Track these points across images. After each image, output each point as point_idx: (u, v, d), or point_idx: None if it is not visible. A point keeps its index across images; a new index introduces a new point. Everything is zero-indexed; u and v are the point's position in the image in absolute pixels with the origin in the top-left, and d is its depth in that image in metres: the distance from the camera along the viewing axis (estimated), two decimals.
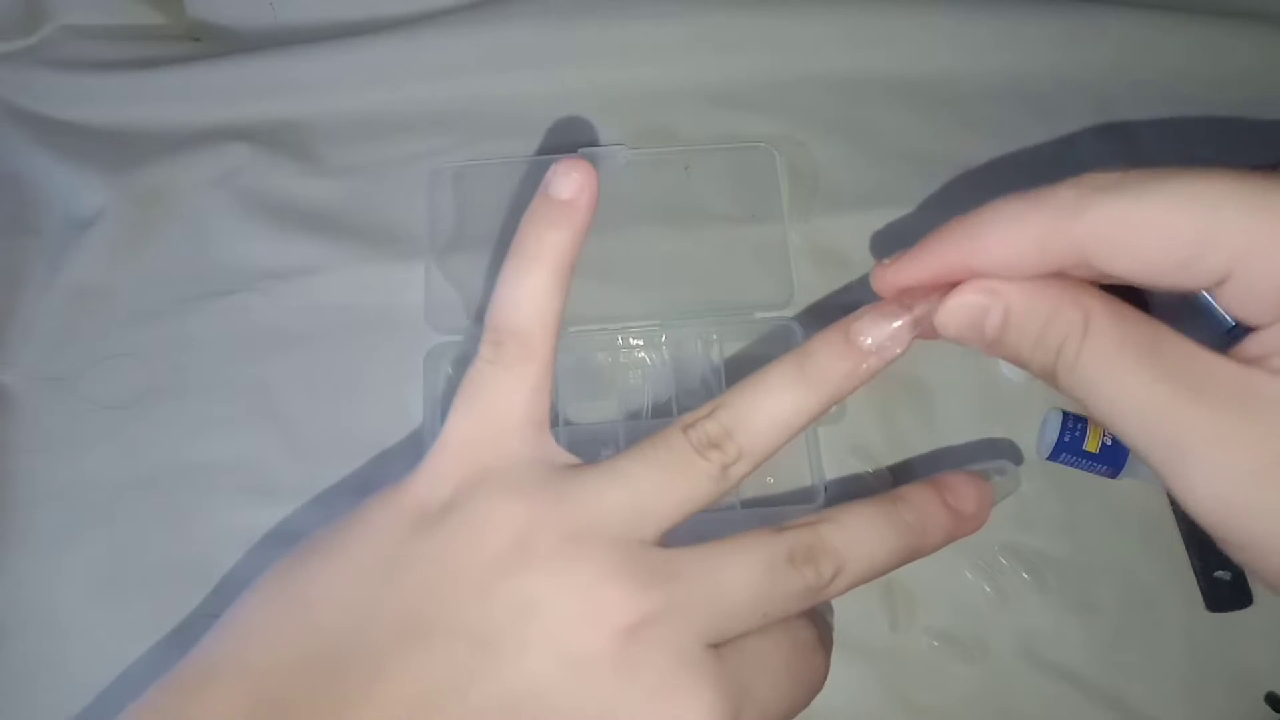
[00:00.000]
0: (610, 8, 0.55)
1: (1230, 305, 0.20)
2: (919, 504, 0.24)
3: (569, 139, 0.52)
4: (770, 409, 0.24)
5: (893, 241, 0.50)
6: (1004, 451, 0.45)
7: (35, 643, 0.42)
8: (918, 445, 0.45)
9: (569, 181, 0.25)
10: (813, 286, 0.48)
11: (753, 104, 0.54)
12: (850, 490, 0.45)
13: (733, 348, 0.47)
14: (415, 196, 0.50)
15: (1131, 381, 0.20)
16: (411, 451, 0.45)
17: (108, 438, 0.46)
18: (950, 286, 0.23)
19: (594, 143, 0.52)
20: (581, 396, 0.46)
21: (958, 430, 0.46)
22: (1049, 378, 0.22)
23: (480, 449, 0.23)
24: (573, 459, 0.24)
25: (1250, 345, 0.20)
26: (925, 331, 0.24)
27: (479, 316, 0.47)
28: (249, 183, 0.51)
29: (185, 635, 0.42)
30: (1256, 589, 0.42)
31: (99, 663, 0.41)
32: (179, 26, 0.58)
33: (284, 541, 0.43)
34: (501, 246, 0.49)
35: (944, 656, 0.42)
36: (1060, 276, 0.22)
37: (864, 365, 0.24)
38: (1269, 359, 0.20)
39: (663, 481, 0.23)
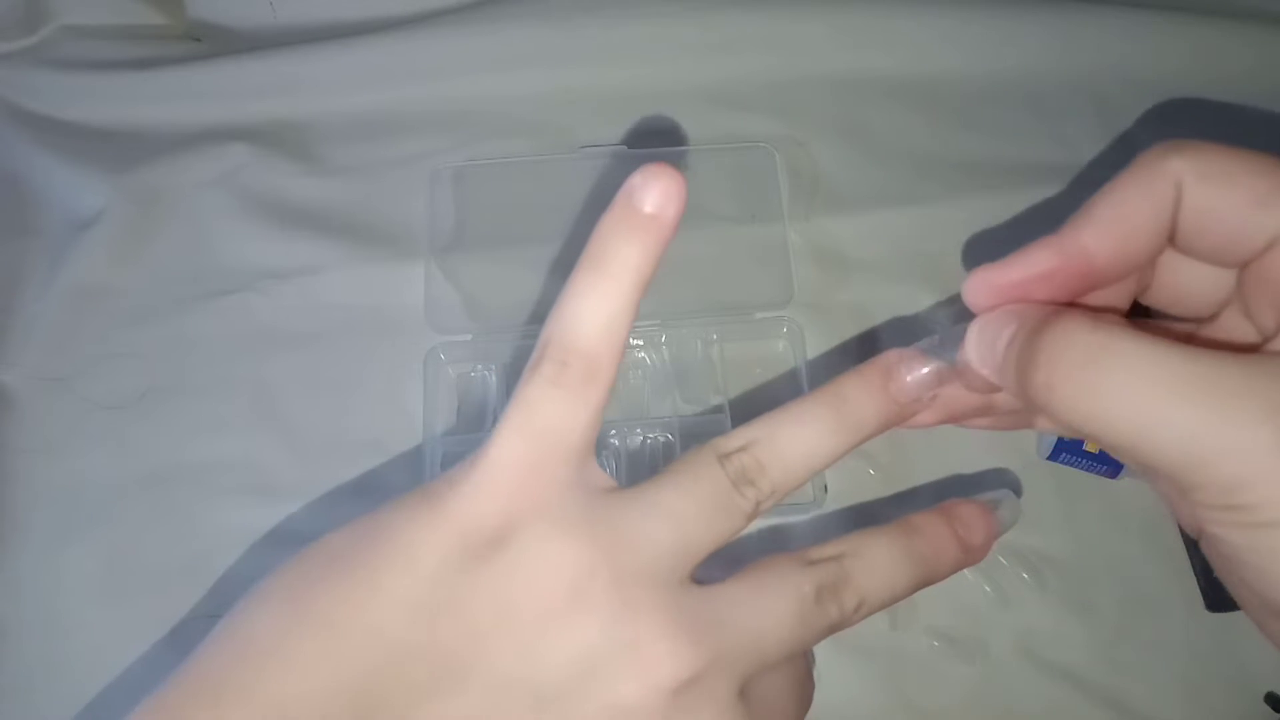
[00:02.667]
0: (610, 8, 0.55)
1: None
2: (932, 536, 0.24)
3: (569, 139, 0.52)
4: (805, 448, 0.23)
5: (893, 241, 0.50)
6: (1006, 457, 0.45)
7: (35, 642, 0.42)
8: (918, 444, 0.45)
9: (654, 192, 0.22)
10: (813, 286, 0.48)
11: (753, 104, 0.54)
12: (850, 491, 0.45)
13: (733, 348, 0.47)
14: (415, 196, 0.50)
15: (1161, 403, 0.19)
16: (412, 451, 0.45)
17: (108, 438, 0.46)
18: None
19: (594, 143, 0.52)
20: None
21: (958, 429, 0.46)
22: (1045, 401, 0.21)
23: (532, 476, 0.22)
24: (611, 481, 0.23)
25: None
26: (954, 409, 0.25)
27: (479, 316, 0.47)
28: (249, 183, 0.51)
29: (185, 635, 0.42)
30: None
31: (98, 662, 0.41)
32: (179, 26, 0.58)
33: (284, 541, 0.43)
34: (502, 247, 0.49)
35: (944, 656, 0.42)
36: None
37: (898, 412, 0.24)
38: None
39: (704, 517, 0.22)
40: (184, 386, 0.47)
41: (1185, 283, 0.24)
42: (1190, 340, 0.20)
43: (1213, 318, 0.24)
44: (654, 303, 0.47)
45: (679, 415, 0.45)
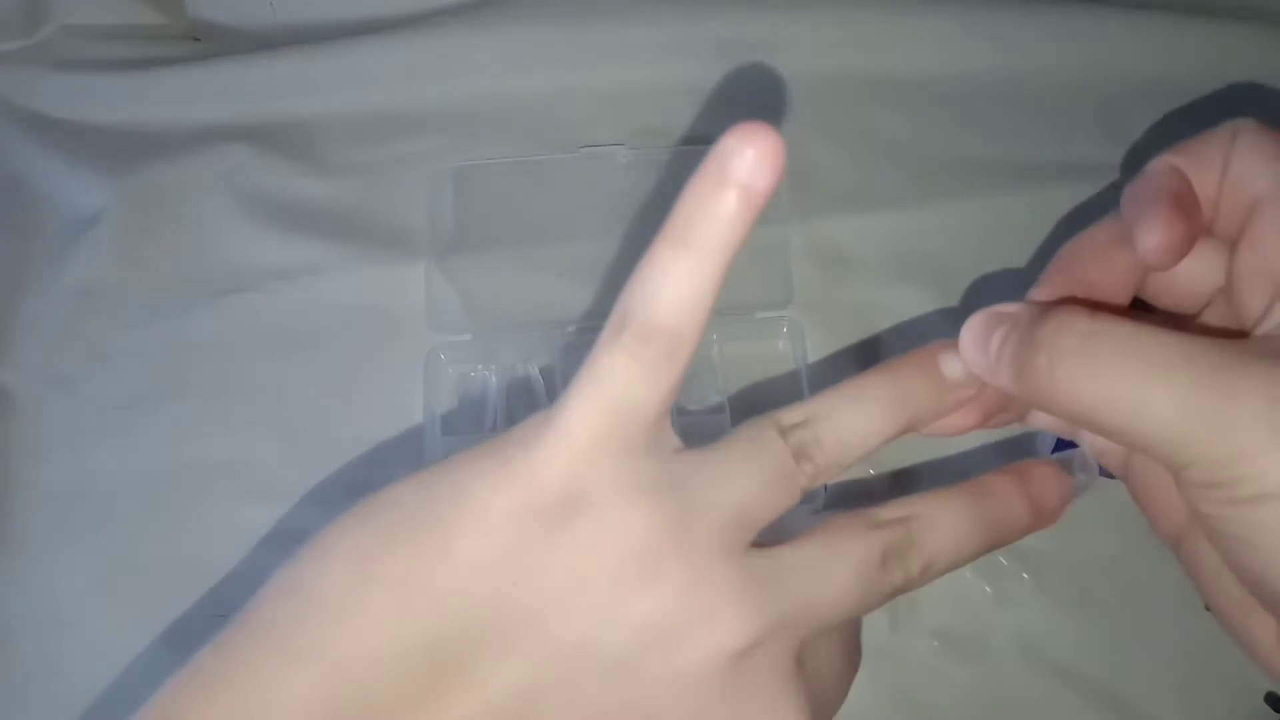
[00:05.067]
0: (610, 8, 0.55)
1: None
2: (1004, 498, 0.24)
3: (569, 139, 0.52)
4: (862, 428, 0.23)
5: (893, 241, 0.50)
6: (1007, 458, 0.45)
7: (36, 642, 0.42)
8: (919, 445, 0.45)
9: (747, 160, 0.20)
10: (813, 286, 0.48)
11: (753, 104, 0.54)
12: (849, 491, 0.45)
13: (733, 348, 0.47)
14: (415, 196, 0.50)
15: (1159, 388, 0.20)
16: (412, 451, 0.45)
17: (108, 438, 0.46)
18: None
19: (594, 143, 0.52)
20: None
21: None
22: (1042, 391, 0.22)
23: (605, 443, 0.21)
24: (678, 441, 0.23)
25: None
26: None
27: (479, 316, 0.47)
28: (250, 183, 0.51)
29: (186, 635, 0.42)
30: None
31: (99, 662, 0.41)
32: (179, 26, 0.58)
33: (284, 541, 0.43)
34: (502, 247, 0.49)
35: (944, 656, 0.42)
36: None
37: (951, 397, 0.24)
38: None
39: (767, 487, 0.22)
40: (185, 386, 0.47)
41: (1176, 274, 0.25)
42: (1182, 327, 0.21)
43: (1199, 312, 0.25)
44: None
45: (679, 415, 0.45)
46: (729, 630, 0.21)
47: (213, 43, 0.57)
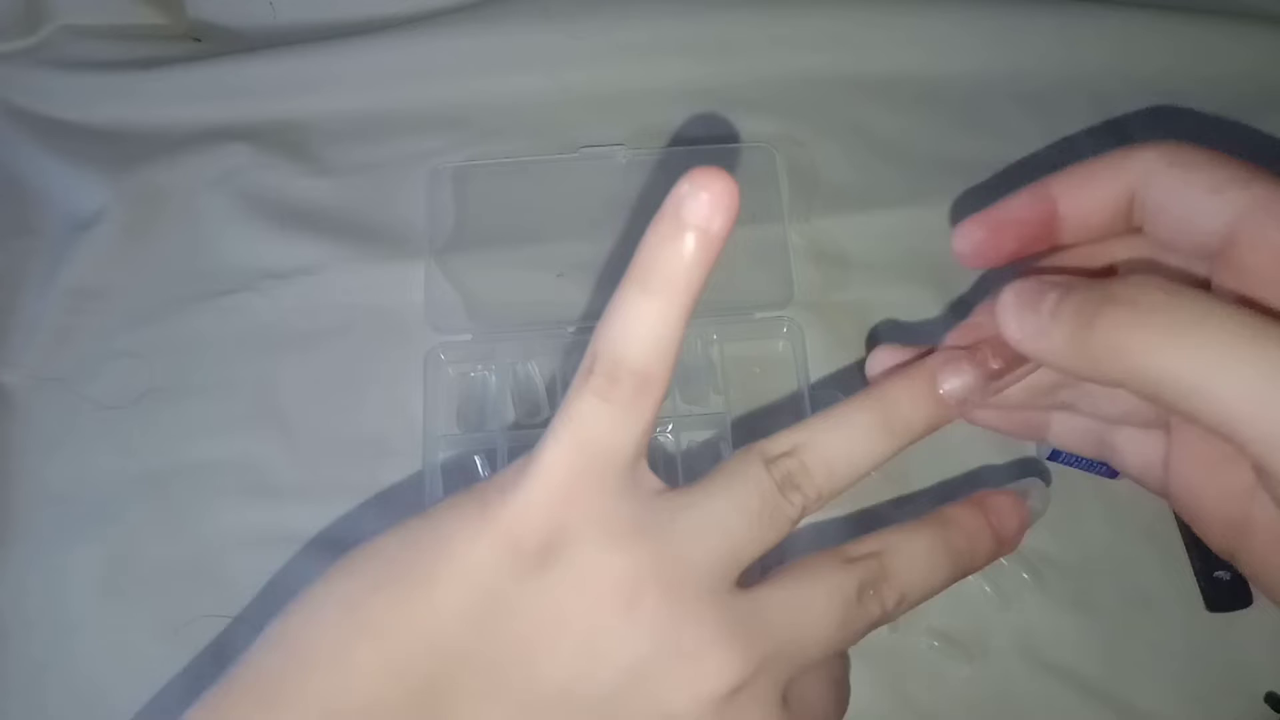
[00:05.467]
0: (610, 8, 0.55)
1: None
2: (967, 528, 0.25)
3: (569, 139, 0.52)
4: (850, 453, 0.23)
5: (893, 241, 0.50)
6: (1006, 458, 0.45)
7: (36, 642, 0.42)
8: (918, 446, 0.45)
9: (702, 204, 0.21)
10: (813, 286, 0.48)
11: (753, 104, 0.54)
12: (850, 493, 0.45)
13: (733, 348, 0.47)
14: (415, 196, 0.50)
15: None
16: (412, 451, 0.45)
17: (108, 438, 0.46)
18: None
19: (594, 143, 0.52)
20: None
21: (958, 427, 0.46)
22: (1116, 359, 0.20)
23: (583, 487, 0.21)
24: (659, 483, 0.23)
25: None
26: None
27: (479, 316, 0.47)
28: (249, 183, 0.51)
29: (186, 635, 0.42)
30: (1257, 590, 0.42)
31: (100, 661, 0.41)
32: (179, 26, 0.58)
33: (284, 541, 0.43)
34: (502, 247, 0.49)
35: (944, 656, 0.42)
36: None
37: (946, 414, 0.24)
38: None
39: (750, 524, 0.22)
40: (184, 386, 0.47)
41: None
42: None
43: None
44: None
45: (679, 415, 0.45)
46: (715, 672, 0.21)
47: (213, 43, 0.57)
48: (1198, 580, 0.43)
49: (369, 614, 0.21)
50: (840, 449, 0.23)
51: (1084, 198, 0.24)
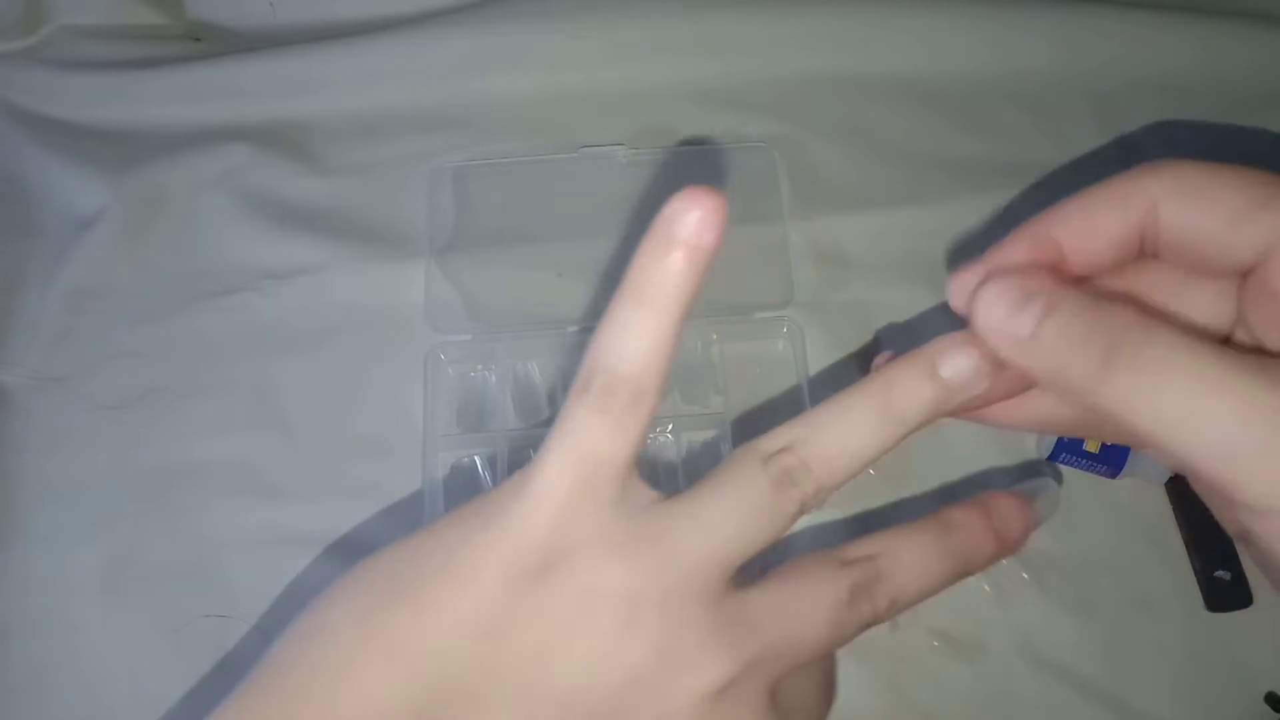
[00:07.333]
0: (610, 8, 0.55)
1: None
2: (969, 531, 0.24)
3: (569, 139, 0.52)
4: (849, 444, 0.23)
5: (893, 241, 0.50)
6: (1007, 458, 0.45)
7: (36, 641, 0.42)
8: (918, 446, 0.45)
9: (692, 220, 0.22)
10: (813, 286, 0.48)
11: (753, 104, 0.54)
12: (850, 493, 0.45)
13: (733, 348, 0.47)
14: (415, 196, 0.50)
15: (1219, 374, 0.19)
16: (412, 451, 0.45)
17: (108, 438, 0.46)
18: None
19: (594, 143, 0.52)
20: None
21: (959, 428, 0.46)
22: (1085, 387, 0.21)
23: (580, 499, 0.22)
24: (654, 493, 0.23)
25: None
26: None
27: (479, 316, 0.47)
28: (249, 183, 0.51)
29: (186, 635, 0.42)
30: (1257, 589, 0.42)
31: (99, 661, 0.41)
32: (179, 26, 0.58)
33: (284, 541, 0.43)
34: (502, 247, 0.49)
35: (944, 656, 0.42)
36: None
37: (948, 399, 0.23)
38: None
39: (747, 525, 0.22)
40: (184, 386, 0.47)
41: (1191, 305, 0.24)
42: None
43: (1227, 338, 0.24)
44: None
45: (679, 415, 0.45)
46: (705, 672, 0.21)
47: (213, 43, 0.57)
48: (1198, 580, 0.43)
49: (379, 627, 0.22)
50: (838, 441, 0.23)
51: (1087, 236, 0.23)
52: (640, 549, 0.22)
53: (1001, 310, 0.22)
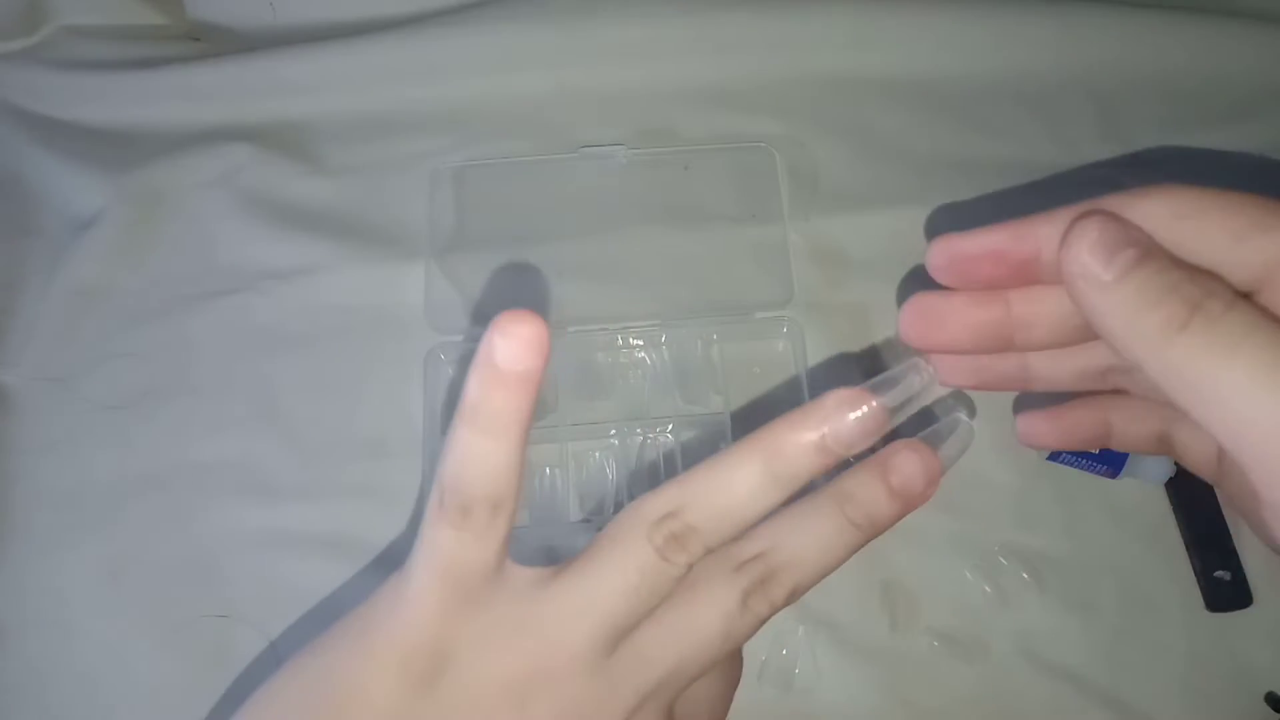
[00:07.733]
0: (610, 8, 0.55)
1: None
2: (866, 496, 0.24)
3: (569, 139, 0.52)
4: (736, 502, 0.23)
5: (893, 241, 0.50)
6: (1005, 458, 0.45)
7: (36, 642, 0.42)
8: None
9: (511, 350, 0.22)
10: (812, 286, 0.48)
11: (753, 104, 0.54)
12: None
13: (733, 348, 0.47)
14: (415, 196, 0.50)
15: None
16: (412, 451, 0.45)
17: (108, 438, 0.46)
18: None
19: (594, 143, 0.52)
20: (581, 396, 0.46)
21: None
22: (1152, 344, 0.20)
23: (454, 606, 0.22)
24: (530, 572, 0.24)
25: None
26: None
27: (479, 317, 0.47)
28: (249, 183, 0.51)
29: (186, 635, 0.42)
30: (1257, 589, 0.42)
31: (99, 661, 0.41)
32: (179, 26, 0.58)
33: (284, 541, 0.43)
34: (502, 247, 0.49)
35: (944, 656, 0.42)
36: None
37: (834, 459, 0.23)
38: None
39: (630, 597, 0.22)
40: (184, 386, 0.47)
41: None
42: None
43: None
44: (654, 302, 0.47)
45: (679, 415, 0.45)
46: None
47: (213, 43, 0.57)
48: (1198, 580, 0.43)
49: None
50: (724, 499, 0.23)
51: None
52: (523, 636, 0.22)
53: (1088, 253, 0.21)
